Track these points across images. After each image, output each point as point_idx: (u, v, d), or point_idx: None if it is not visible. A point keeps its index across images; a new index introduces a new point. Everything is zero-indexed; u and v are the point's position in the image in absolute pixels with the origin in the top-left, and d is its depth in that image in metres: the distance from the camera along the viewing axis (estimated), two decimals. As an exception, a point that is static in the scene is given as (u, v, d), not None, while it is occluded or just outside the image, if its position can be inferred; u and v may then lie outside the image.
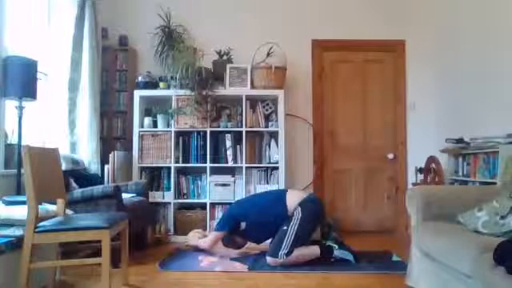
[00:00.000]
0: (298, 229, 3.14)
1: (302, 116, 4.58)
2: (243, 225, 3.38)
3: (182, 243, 3.88)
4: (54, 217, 2.41)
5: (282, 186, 4.04)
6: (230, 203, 4.03)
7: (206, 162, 4.16)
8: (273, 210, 3.33)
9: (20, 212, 2.34)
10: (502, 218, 2.05)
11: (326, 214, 3.62)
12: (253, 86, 4.21)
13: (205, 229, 4.07)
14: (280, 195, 3.40)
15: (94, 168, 3.90)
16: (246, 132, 4.16)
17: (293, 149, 4.47)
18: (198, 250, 3.52)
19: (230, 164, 4.18)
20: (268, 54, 4.22)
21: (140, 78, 4.28)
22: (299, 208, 3.24)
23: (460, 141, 3.56)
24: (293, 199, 3.32)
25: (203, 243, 3.49)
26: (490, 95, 3.49)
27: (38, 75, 3.17)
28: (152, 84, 4.26)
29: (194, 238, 3.60)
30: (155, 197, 4.13)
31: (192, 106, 4.10)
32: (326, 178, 4.63)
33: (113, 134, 4.38)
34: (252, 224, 3.37)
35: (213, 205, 4.16)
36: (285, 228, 3.17)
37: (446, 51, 4.35)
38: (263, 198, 3.57)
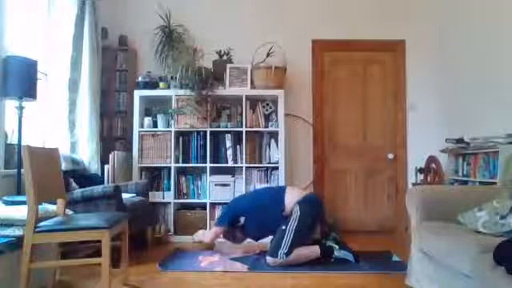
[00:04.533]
0: (296, 228, 3.14)
1: (302, 116, 4.58)
2: (242, 219, 3.42)
3: (182, 243, 3.89)
4: (54, 217, 2.41)
5: (282, 186, 4.04)
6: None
7: (206, 162, 4.16)
8: (271, 207, 3.35)
9: (20, 212, 2.34)
10: (502, 217, 2.05)
11: (325, 213, 3.63)
12: (253, 86, 4.21)
13: (206, 229, 4.08)
14: (278, 193, 3.41)
15: (94, 168, 3.89)
16: (246, 132, 4.16)
17: (293, 149, 4.47)
18: (207, 245, 3.61)
19: (230, 164, 4.18)
20: (268, 54, 4.22)
21: (140, 78, 4.28)
22: (297, 206, 3.24)
23: (460, 141, 3.56)
24: (291, 197, 3.33)
25: (204, 237, 3.56)
26: (490, 95, 3.49)
27: (38, 75, 3.17)
28: (152, 84, 4.26)
29: (199, 234, 3.67)
30: (155, 197, 4.13)
31: (192, 106, 4.11)
32: (326, 178, 4.63)
33: (113, 134, 4.38)
34: (251, 220, 3.41)
35: (213, 205, 4.15)
36: (283, 228, 3.17)
37: (445, 51, 4.36)
38: (262, 194, 3.60)
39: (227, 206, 3.65)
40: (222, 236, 3.56)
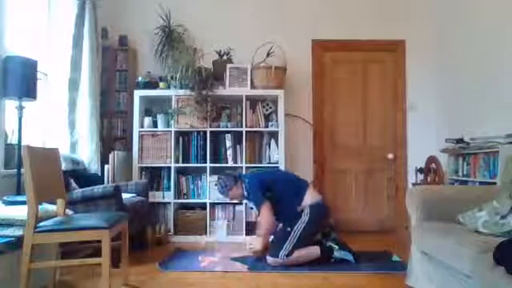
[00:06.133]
0: (301, 232, 3.14)
1: (302, 116, 4.58)
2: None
3: (182, 243, 3.89)
4: (54, 217, 2.40)
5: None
6: (229, 203, 4.04)
7: (206, 162, 4.16)
8: (291, 197, 3.33)
9: (20, 212, 2.34)
10: (502, 217, 2.05)
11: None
12: (253, 86, 4.21)
13: (204, 230, 4.08)
14: (301, 188, 3.36)
15: (94, 168, 3.89)
16: (246, 132, 4.16)
17: (293, 149, 4.47)
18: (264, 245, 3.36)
19: (230, 164, 4.18)
20: (268, 54, 4.22)
21: (140, 78, 4.28)
22: (308, 209, 3.22)
23: (460, 141, 3.57)
24: (308, 197, 3.31)
25: (261, 228, 3.36)
26: (490, 95, 3.49)
27: (38, 75, 3.17)
28: (152, 84, 4.26)
29: (254, 245, 3.39)
30: (155, 197, 4.13)
31: (192, 105, 4.10)
32: (326, 178, 4.63)
33: (113, 133, 4.38)
34: (272, 194, 3.33)
35: (213, 205, 4.15)
36: (288, 230, 3.17)
37: (445, 51, 4.36)
38: (290, 178, 3.55)
39: (256, 182, 3.36)
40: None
